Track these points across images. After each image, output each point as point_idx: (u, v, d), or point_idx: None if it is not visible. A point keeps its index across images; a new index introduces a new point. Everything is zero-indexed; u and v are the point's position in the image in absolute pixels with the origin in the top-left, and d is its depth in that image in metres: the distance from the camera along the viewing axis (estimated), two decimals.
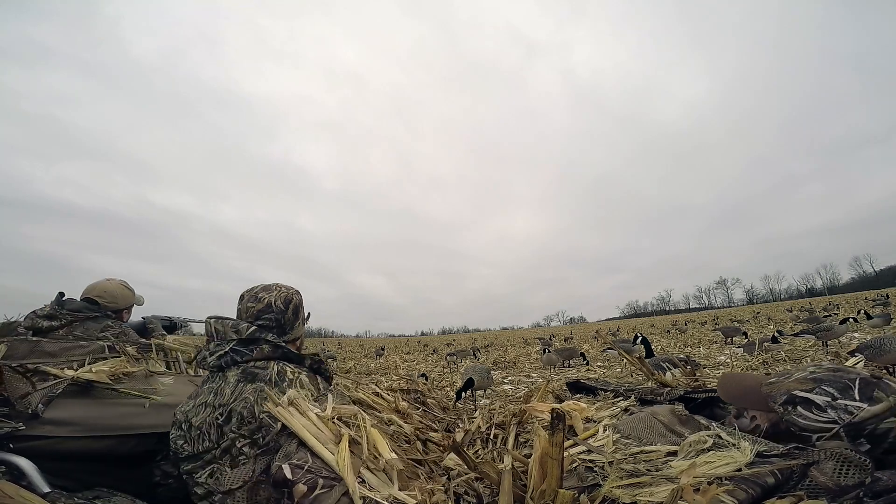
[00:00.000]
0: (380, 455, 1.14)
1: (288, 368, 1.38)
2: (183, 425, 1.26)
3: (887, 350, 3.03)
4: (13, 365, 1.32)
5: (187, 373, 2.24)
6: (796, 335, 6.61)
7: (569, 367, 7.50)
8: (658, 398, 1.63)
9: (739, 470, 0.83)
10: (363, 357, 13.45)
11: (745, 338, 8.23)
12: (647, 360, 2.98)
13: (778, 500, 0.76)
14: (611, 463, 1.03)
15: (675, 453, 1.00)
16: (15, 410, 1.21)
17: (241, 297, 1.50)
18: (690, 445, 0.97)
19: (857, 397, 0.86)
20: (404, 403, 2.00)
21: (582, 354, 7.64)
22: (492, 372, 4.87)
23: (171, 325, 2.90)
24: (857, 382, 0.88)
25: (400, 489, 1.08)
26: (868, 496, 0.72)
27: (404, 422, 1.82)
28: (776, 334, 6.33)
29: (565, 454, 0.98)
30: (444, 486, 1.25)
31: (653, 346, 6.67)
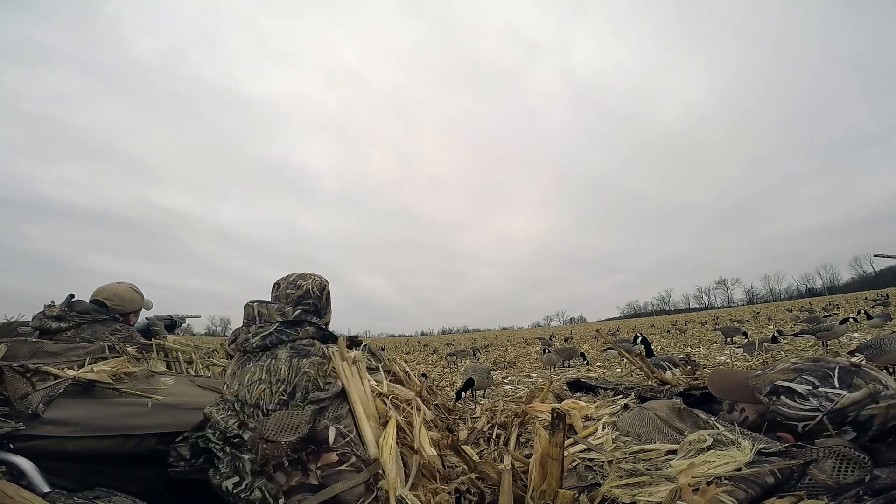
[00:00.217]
0: (423, 451, 1.14)
1: (333, 347, 1.48)
2: (235, 405, 1.32)
3: (887, 350, 3.03)
4: (14, 365, 1.32)
5: (188, 373, 2.24)
6: (796, 335, 6.61)
7: (569, 367, 7.50)
8: (657, 395, 1.64)
9: (739, 469, 0.83)
10: None
11: (745, 338, 8.22)
12: (647, 360, 2.99)
13: (778, 500, 0.76)
14: (610, 462, 1.03)
15: (675, 452, 0.99)
16: (15, 410, 1.21)
17: (278, 284, 1.62)
18: (690, 444, 0.96)
19: (837, 385, 0.89)
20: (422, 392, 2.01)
21: (582, 354, 7.64)
22: (492, 372, 4.88)
23: (172, 324, 2.96)
24: (836, 371, 0.91)
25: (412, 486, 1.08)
26: (867, 494, 0.72)
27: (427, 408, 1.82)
28: (776, 334, 6.33)
29: (565, 453, 0.98)
30: (446, 487, 1.25)
31: (653, 346, 6.67)
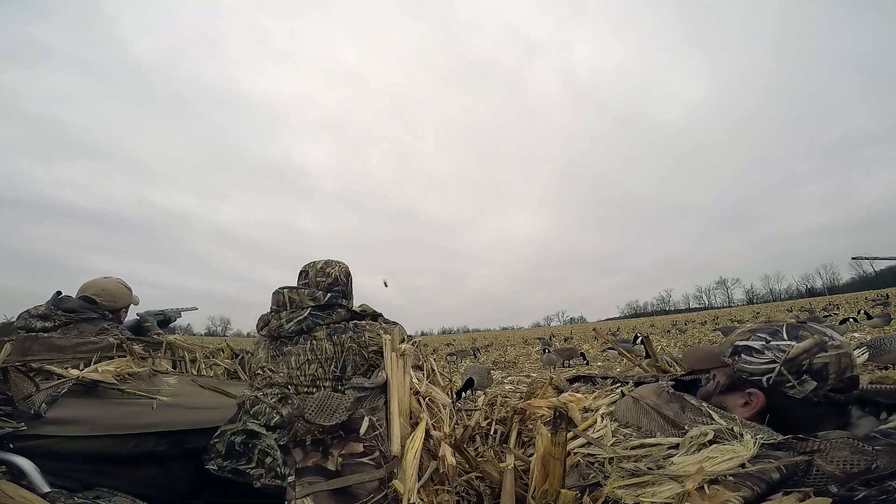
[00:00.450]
0: (445, 460, 1.12)
1: (367, 325, 1.56)
2: (287, 388, 1.36)
3: (887, 350, 3.02)
4: (17, 364, 1.31)
5: (192, 373, 2.23)
6: None
7: (569, 366, 7.50)
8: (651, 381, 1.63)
9: (743, 465, 0.81)
10: None
11: None
12: (651, 345, 2.98)
13: (784, 497, 0.75)
14: (611, 460, 1.01)
15: (676, 446, 0.98)
16: (17, 410, 1.20)
17: (305, 272, 1.69)
18: (692, 439, 0.94)
19: (786, 337, 0.97)
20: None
21: (582, 354, 7.64)
22: (492, 372, 4.87)
23: (165, 319, 2.83)
24: (784, 327, 1.01)
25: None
26: (863, 484, 0.71)
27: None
28: None
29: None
30: (448, 487, 1.24)
31: (653, 346, 6.64)
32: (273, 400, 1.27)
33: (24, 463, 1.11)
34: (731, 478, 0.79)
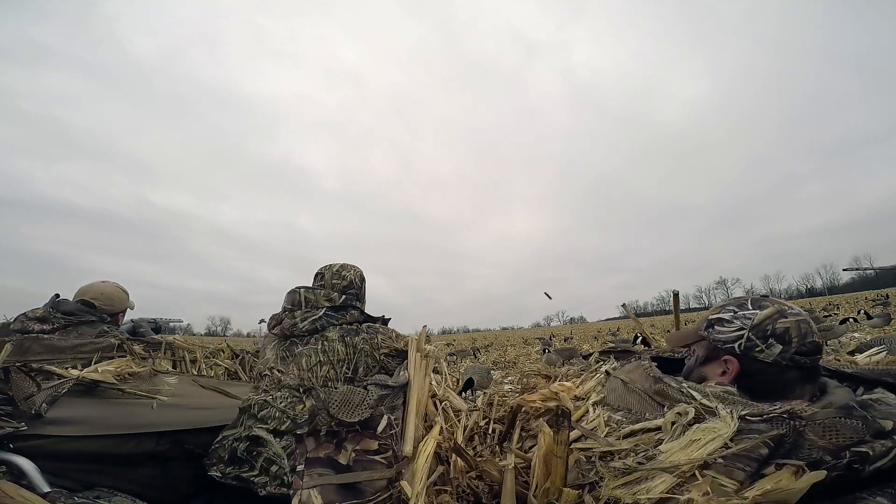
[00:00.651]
0: (455, 466, 1.12)
1: (380, 327, 1.57)
2: (300, 389, 1.32)
3: (887, 350, 3.03)
4: (18, 364, 1.31)
5: (192, 373, 2.23)
6: None
7: (570, 366, 7.50)
8: (633, 357, 1.69)
9: (727, 446, 0.80)
10: None
11: None
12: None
13: (779, 472, 0.74)
14: (604, 456, 1.01)
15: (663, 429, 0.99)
16: (18, 410, 1.20)
17: (322, 274, 1.71)
18: (674, 422, 0.95)
19: (751, 307, 1.09)
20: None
21: (585, 356, 7.64)
22: (492, 372, 4.87)
23: (157, 328, 2.87)
24: (749, 300, 1.13)
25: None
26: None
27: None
28: None
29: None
30: (449, 488, 1.24)
31: (653, 346, 6.65)
32: (283, 404, 1.24)
33: (24, 463, 1.11)
34: (720, 460, 0.79)
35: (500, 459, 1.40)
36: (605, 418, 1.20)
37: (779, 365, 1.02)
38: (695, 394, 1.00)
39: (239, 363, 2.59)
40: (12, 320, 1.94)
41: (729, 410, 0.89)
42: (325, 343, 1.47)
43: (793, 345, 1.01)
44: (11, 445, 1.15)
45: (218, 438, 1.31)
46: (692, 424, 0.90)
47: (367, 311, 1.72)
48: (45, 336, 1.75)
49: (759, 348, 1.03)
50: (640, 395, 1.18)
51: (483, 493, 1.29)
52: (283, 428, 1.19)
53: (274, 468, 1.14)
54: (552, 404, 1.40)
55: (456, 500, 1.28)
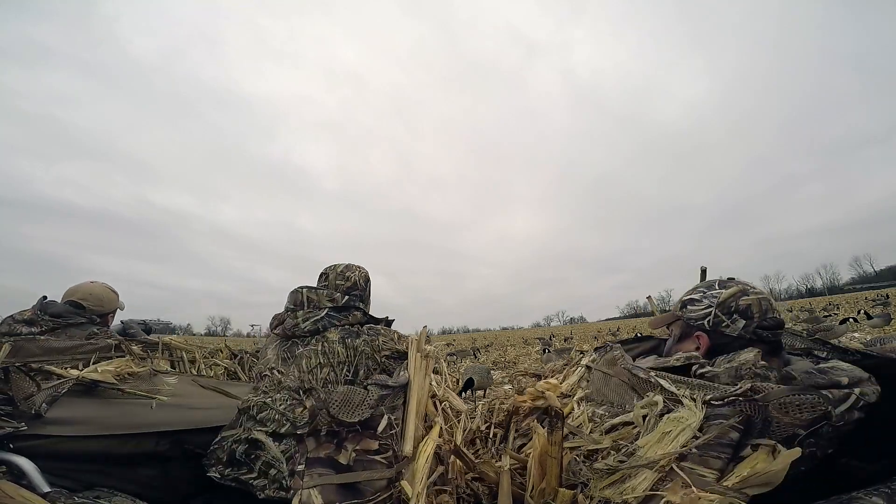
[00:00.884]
0: (454, 468, 1.12)
1: (381, 329, 1.56)
2: (300, 392, 1.28)
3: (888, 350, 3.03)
4: (18, 364, 1.32)
5: (191, 373, 2.23)
6: None
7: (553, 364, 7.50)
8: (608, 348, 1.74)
9: (696, 436, 0.81)
10: None
11: None
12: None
13: (756, 454, 0.75)
14: (589, 456, 1.02)
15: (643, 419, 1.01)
16: (18, 410, 1.21)
17: (326, 274, 1.70)
18: (646, 415, 0.96)
19: (717, 287, 1.22)
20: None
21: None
22: (492, 372, 4.87)
23: (147, 329, 2.82)
24: (716, 281, 1.26)
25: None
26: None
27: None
28: None
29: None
30: (448, 488, 1.25)
31: None
32: (282, 406, 1.22)
33: (24, 463, 1.11)
34: (695, 450, 0.79)
35: (498, 461, 1.41)
36: (590, 414, 1.23)
37: (743, 339, 1.11)
38: (662, 382, 1.02)
39: (238, 363, 2.60)
40: (0, 322, 1.93)
41: (693, 397, 0.90)
42: (326, 345, 1.46)
43: (755, 319, 1.11)
44: (11, 445, 1.15)
45: (217, 439, 1.30)
46: (663, 415, 0.91)
47: (371, 312, 1.71)
48: (42, 337, 1.76)
49: (725, 323, 1.15)
50: (620, 387, 1.23)
51: (483, 495, 1.29)
52: (282, 431, 1.17)
53: (272, 472, 1.13)
54: (541, 403, 1.42)
55: (456, 501, 1.28)
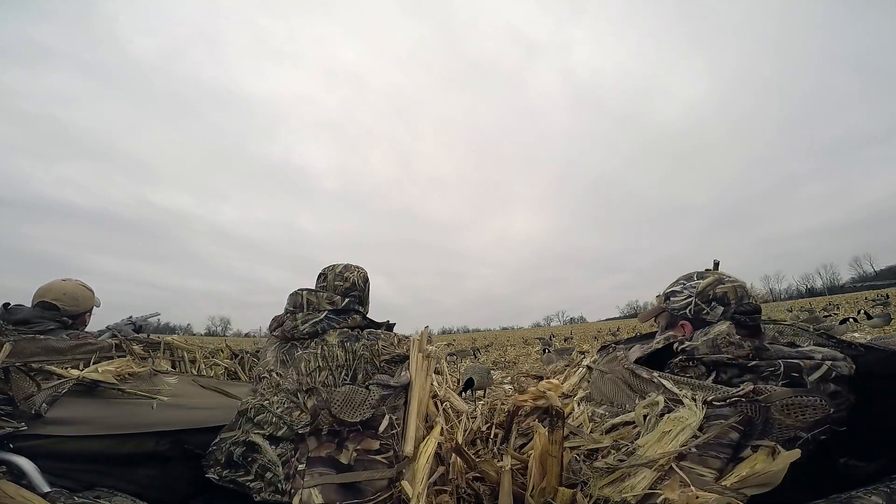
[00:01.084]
0: (454, 468, 1.12)
1: (381, 333, 1.54)
2: (298, 395, 1.29)
3: None
4: (18, 364, 1.31)
5: (191, 372, 2.23)
6: None
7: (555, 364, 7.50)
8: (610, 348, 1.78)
9: (696, 436, 0.81)
10: None
11: None
12: None
13: (756, 455, 0.75)
14: (589, 455, 1.02)
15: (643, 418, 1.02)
16: (18, 410, 1.21)
17: (324, 275, 1.68)
18: (646, 414, 0.96)
19: (696, 278, 1.31)
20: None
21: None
22: (492, 372, 4.87)
23: (137, 328, 2.56)
24: (695, 273, 1.35)
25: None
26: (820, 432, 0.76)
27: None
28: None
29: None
30: (448, 488, 1.25)
31: None
32: (280, 409, 1.23)
33: (24, 463, 1.11)
34: (694, 450, 0.80)
35: (499, 461, 1.41)
36: (590, 414, 1.24)
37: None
38: (665, 382, 1.02)
39: (238, 363, 2.60)
40: None
41: (694, 397, 0.91)
42: (325, 348, 1.45)
43: (732, 305, 1.20)
44: (11, 445, 1.15)
45: (215, 441, 1.30)
46: (664, 415, 0.92)
47: (371, 312, 1.70)
48: (42, 337, 1.75)
49: (706, 311, 1.23)
50: (619, 387, 1.25)
51: (484, 495, 1.30)
52: (279, 434, 1.18)
53: (268, 475, 1.13)
54: (542, 403, 1.42)
55: (456, 501, 1.28)
